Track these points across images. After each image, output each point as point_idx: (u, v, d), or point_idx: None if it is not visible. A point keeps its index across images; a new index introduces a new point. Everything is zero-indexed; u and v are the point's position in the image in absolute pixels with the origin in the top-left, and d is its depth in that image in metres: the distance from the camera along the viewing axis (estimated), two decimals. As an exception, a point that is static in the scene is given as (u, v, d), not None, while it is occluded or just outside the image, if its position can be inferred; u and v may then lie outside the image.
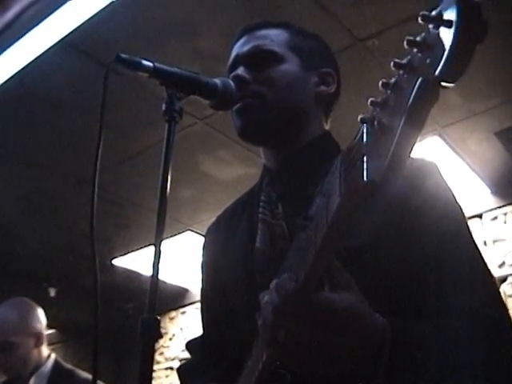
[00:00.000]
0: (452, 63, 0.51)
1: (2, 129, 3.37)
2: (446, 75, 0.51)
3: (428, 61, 0.53)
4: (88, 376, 2.57)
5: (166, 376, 5.47)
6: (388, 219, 1.01)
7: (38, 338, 2.56)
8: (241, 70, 1.20)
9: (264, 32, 1.25)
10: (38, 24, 2.65)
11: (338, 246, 0.75)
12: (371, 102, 0.61)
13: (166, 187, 0.99)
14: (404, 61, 0.57)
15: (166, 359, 5.53)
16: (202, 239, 1.38)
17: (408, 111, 0.55)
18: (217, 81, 1.13)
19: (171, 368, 5.43)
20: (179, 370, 1.32)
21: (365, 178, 0.59)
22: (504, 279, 3.68)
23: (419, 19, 0.54)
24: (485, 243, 3.81)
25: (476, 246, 1.02)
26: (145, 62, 1.06)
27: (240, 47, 1.25)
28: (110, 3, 2.53)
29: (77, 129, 3.28)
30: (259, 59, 1.21)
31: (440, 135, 3.36)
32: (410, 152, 0.57)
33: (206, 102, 1.15)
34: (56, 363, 2.60)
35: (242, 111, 1.18)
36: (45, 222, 4.41)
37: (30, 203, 4.15)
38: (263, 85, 1.18)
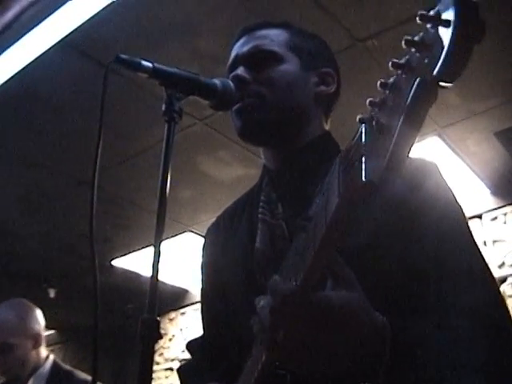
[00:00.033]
0: (450, 63, 0.51)
1: (1, 129, 3.38)
2: (444, 75, 0.51)
3: (426, 61, 0.53)
4: (86, 377, 2.57)
5: (166, 377, 5.47)
6: (388, 219, 1.01)
7: (36, 340, 2.55)
8: (240, 70, 1.20)
9: (264, 32, 1.25)
10: (37, 24, 2.65)
11: (337, 246, 0.75)
12: (370, 102, 0.61)
13: (166, 188, 0.99)
14: (402, 61, 0.57)
15: (166, 360, 5.53)
16: (202, 240, 1.38)
17: (406, 111, 0.55)
18: (216, 81, 1.13)
19: (171, 369, 5.43)
20: (179, 371, 1.32)
21: (363, 179, 0.59)
22: (504, 280, 3.68)
23: (417, 19, 0.54)
24: (484, 243, 3.81)
25: (476, 245, 1.02)
26: (144, 63, 1.06)
27: (240, 47, 1.25)
28: (110, 4, 2.53)
29: (77, 129, 3.28)
30: (259, 59, 1.21)
31: (440, 135, 3.36)
32: (409, 152, 0.57)
33: (205, 103, 1.15)
34: (54, 364, 2.59)
35: (241, 111, 1.18)
36: (44, 222, 4.41)
37: (30, 203, 4.15)
38: (263, 85, 1.18)
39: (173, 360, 5.46)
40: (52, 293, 5.55)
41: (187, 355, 1.36)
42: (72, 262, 4.89)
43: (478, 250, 1.01)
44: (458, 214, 1.04)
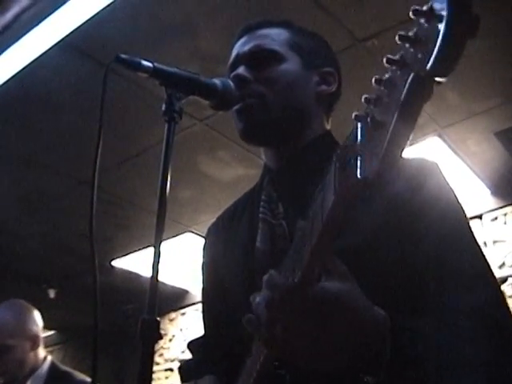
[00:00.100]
0: (443, 57, 0.51)
1: (1, 129, 3.37)
2: (438, 69, 0.51)
3: (420, 56, 0.53)
4: (84, 378, 2.57)
5: (166, 377, 5.47)
6: (389, 219, 1.01)
7: (34, 341, 2.55)
8: (241, 70, 1.20)
9: (265, 31, 1.25)
10: (37, 25, 2.65)
11: (334, 242, 0.75)
12: (365, 98, 0.61)
13: (166, 188, 0.99)
14: (397, 57, 0.57)
15: (166, 360, 5.53)
16: (202, 240, 1.38)
17: (400, 107, 0.55)
18: (216, 81, 1.13)
19: (171, 369, 5.43)
20: (180, 369, 1.32)
21: (358, 176, 0.59)
22: (504, 280, 3.68)
23: (411, 14, 0.54)
24: (485, 244, 3.81)
25: (478, 245, 1.01)
26: (144, 62, 1.06)
27: (240, 47, 1.25)
28: (110, 4, 2.53)
29: (77, 129, 3.28)
30: (260, 58, 1.20)
31: (440, 136, 3.36)
32: (404, 148, 0.57)
33: (205, 103, 1.15)
34: (52, 365, 2.59)
35: (242, 112, 1.18)
36: (44, 222, 4.41)
37: (30, 203, 4.15)
38: (263, 84, 1.18)
39: (173, 360, 5.46)
40: (52, 293, 5.55)
41: (187, 356, 1.36)
42: (72, 263, 4.89)
43: (480, 249, 1.01)
44: (459, 214, 1.04)
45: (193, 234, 4.52)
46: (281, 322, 0.80)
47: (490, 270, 0.99)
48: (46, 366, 2.56)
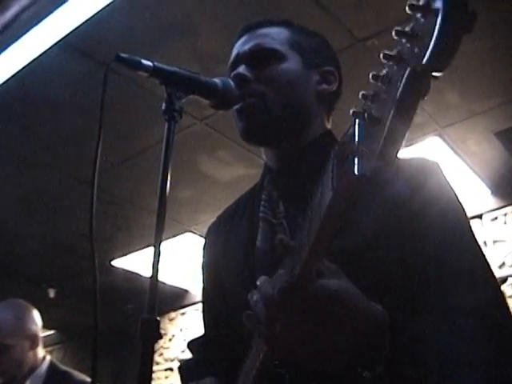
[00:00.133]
0: (439, 51, 0.51)
1: (1, 129, 3.37)
2: (434, 64, 0.51)
3: (416, 50, 0.53)
4: (84, 378, 2.56)
5: (166, 377, 5.47)
6: (389, 219, 1.01)
7: (33, 340, 2.54)
8: (242, 69, 1.20)
9: (265, 30, 1.25)
10: (37, 24, 2.65)
11: (332, 240, 0.75)
12: (362, 95, 0.60)
13: (166, 188, 0.99)
14: (393, 52, 0.57)
15: (166, 360, 5.53)
16: (202, 240, 1.38)
17: (397, 102, 0.55)
18: (217, 80, 1.13)
19: (171, 369, 5.43)
20: (180, 368, 1.32)
21: (356, 172, 0.59)
22: (504, 280, 3.68)
23: (407, 9, 0.54)
24: (485, 244, 3.81)
25: (478, 245, 1.01)
26: (144, 62, 1.06)
27: (241, 46, 1.25)
28: (109, 3, 2.52)
29: (76, 129, 3.27)
30: (260, 57, 1.20)
31: (440, 136, 3.35)
32: (401, 144, 0.57)
33: (205, 102, 1.15)
34: (51, 365, 2.58)
35: (242, 111, 1.18)
36: (44, 222, 4.41)
37: (30, 203, 4.15)
38: (264, 84, 1.18)
39: (173, 360, 5.46)
40: (52, 293, 5.55)
41: (187, 355, 1.36)
42: (72, 262, 4.89)
43: (480, 249, 1.01)
44: (459, 214, 1.04)
45: (193, 234, 4.52)
46: (280, 320, 0.80)
47: (490, 270, 0.99)
48: (45, 365, 2.55)
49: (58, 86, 3.02)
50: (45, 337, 2.66)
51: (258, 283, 0.84)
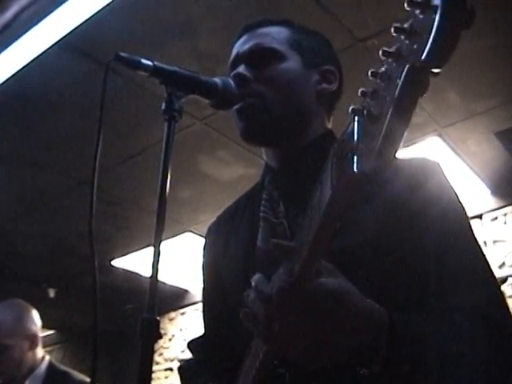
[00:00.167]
0: (437, 47, 0.51)
1: (1, 129, 3.37)
2: (433, 60, 0.51)
3: (415, 47, 0.53)
4: (83, 378, 2.57)
5: (166, 377, 5.47)
6: (389, 218, 1.01)
7: (32, 340, 2.54)
8: (241, 68, 1.20)
9: (265, 30, 1.24)
10: (36, 24, 2.65)
11: (332, 240, 0.75)
12: (361, 92, 0.60)
13: (166, 188, 0.99)
14: (392, 49, 0.56)
15: (166, 360, 5.53)
16: (202, 240, 1.38)
17: (396, 99, 0.55)
18: (217, 80, 1.13)
19: (171, 369, 5.42)
20: (180, 369, 1.32)
21: (355, 169, 0.59)
22: (504, 280, 3.68)
23: (405, 5, 0.54)
24: (485, 244, 3.80)
25: (478, 245, 1.02)
26: (144, 61, 1.06)
27: (241, 45, 1.25)
28: (109, 3, 2.52)
29: (76, 129, 3.27)
30: (260, 57, 1.20)
31: (440, 136, 3.35)
32: (400, 142, 0.57)
33: (205, 102, 1.15)
34: (50, 365, 2.58)
35: (242, 111, 1.18)
36: (44, 222, 4.40)
37: (30, 203, 4.15)
38: (263, 83, 1.18)
39: (172, 360, 5.46)
40: (52, 293, 5.55)
41: (187, 355, 1.36)
42: (72, 262, 4.88)
43: (480, 249, 1.01)
44: (459, 214, 1.04)
45: (192, 234, 4.52)
46: (279, 318, 0.80)
47: (491, 270, 0.99)
48: (44, 365, 2.55)
49: (57, 85, 3.01)
50: (44, 337, 2.66)
51: (252, 281, 0.84)
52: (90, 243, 0.96)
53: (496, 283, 0.99)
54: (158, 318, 0.90)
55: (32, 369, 2.51)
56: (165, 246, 0.94)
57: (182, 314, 5.61)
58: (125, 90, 2.90)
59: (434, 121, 3.21)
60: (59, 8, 2.57)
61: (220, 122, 3.23)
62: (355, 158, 0.59)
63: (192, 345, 1.34)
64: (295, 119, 1.19)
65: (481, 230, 3.84)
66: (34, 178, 3.84)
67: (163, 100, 1.06)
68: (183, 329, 5.53)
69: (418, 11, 0.53)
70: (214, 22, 2.64)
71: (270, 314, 0.80)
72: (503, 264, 3.72)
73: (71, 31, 2.66)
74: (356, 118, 0.61)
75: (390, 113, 0.55)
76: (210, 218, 1.43)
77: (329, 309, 0.79)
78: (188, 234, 4.52)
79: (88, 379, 2.56)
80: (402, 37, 0.55)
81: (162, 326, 0.92)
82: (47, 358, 2.61)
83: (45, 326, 2.72)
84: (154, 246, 0.94)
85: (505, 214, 3.86)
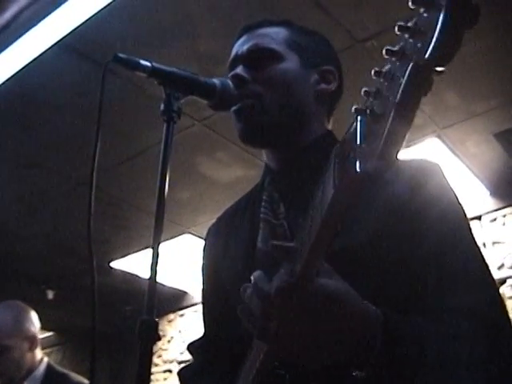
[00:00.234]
0: (441, 45, 0.50)
1: (0, 130, 3.37)
2: (437, 58, 0.51)
3: (419, 45, 0.53)
4: (81, 379, 2.57)
5: (164, 379, 5.46)
6: (389, 219, 1.01)
7: (32, 342, 2.54)
8: (239, 69, 1.19)
9: (264, 30, 1.24)
10: (35, 25, 2.65)
11: (333, 240, 0.74)
12: (364, 91, 0.60)
13: (164, 189, 0.99)
14: (396, 48, 0.56)
15: (165, 362, 5.52)
16: (201, 242, 1.38)
17: (400, 98, 0.54)
18: (215, 81, 1.13)
19: (169, 371, 5.42)
20: (180, 374, 1.31)
21: (358, 169, 0.59)
22: (503, 281, 3.68)
23: (410, 3, 0.53)
24: (484, 245, 3.81)
25: (477, 246, 1.02)
26: (143, 62, 1.06)
27: (240, 46, 1.25)
28: (108, 4, 2.52)
29: (75, 130, 3.27)
30: (258, 58, 1.20)
31: (439, 137, 3.35)
32: (402, 142, 0.57)
33: (204, 103, 1.15)
34: (49, 367, 2.58)
35: (240, 113, 1.18)
36: (44, 223, 4.40)
37: (29, 204, 4.15)
38: (261, 84, 1.18)
39: (171, 362, 5.45)
40: (50, 294, 5.54)
41: (186, 357, 1.36)
42: (71, 264, 4.88)
43: (479, 251, 1.01)
44: (459, 215, 1.04)
45: (191, 236, 4.52)
46: (277, 317, 0.80)
47: (489, 272, 0.99)
48: (42, 367, 2.56)
49: (56, 86, 3.01)
50: (43, 338, 2.66)
51: (252, 278, 0.84)
52: (88, 244, 0.96)
53: (494, 285, 0.99)
54: (156, 319, 0.90)
55: (31, 370, 2.51)
56: (163, 247, 0.94)
57: (181, 315, 5.60)
58: (124, 91, 2.90)
59: (433, 122, 3.21)
60: (58, 9, 2.57)
61: (219, 124, 3.23)
62: (358, 157, 0.59)
63: (192, 347, 1.34)
64: (294, 120, 1.19)
65: (480, 232, 3.84)
66: (34, 179, 3.84)
67: (162, 101, 1.06)
68: (182, 330, 5.53)
69: (422, 10, 0.53)
70: (213, 23, 2.64)
71: (267, 312, 0.80)
72: (502, 265, 3.72)
73: (70, 32, 2.66)
74: (359, 118, 0.61)
75: (393, 112, 0.54)
76: (208, 220, 1.43)
77: (328, 309, 0.79)
78: (187, 236, 4.51)
79: (87, 381, 2.56)
80: (406, 35, 0.55)
81: (160, 327, 0.92)
82: (46, 359, 2.61)
83: (43, 328, 2.72)
84: (153, 248, 0.94)
85: (504, 216, 3.86)
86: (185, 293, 5.52)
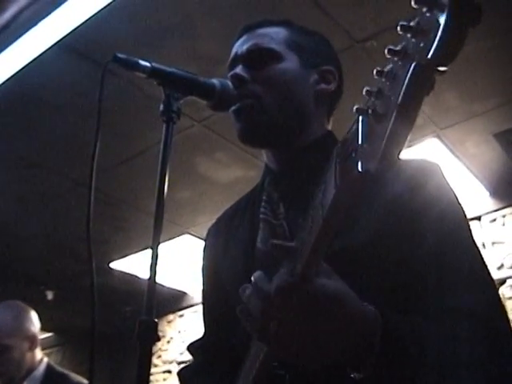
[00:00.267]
0: (444, 45, 0.50)
1: (0, 130, 3.37)
2: (439, 57, 0.51)
3: (422, 45, 0.53)
4: (80, 379, 2.57)
5: (164, 379, 5.46)
6: (389, 220, 1.01)
7: (32, 341, 2.55)
8: (239, 69, 1.19)
9: (264, 30, 1.24)
10: (35, 25, 2.64)
11: (333, 237, 0.74)
12: (366, 91, 0.60)
13: (164, 189, 0.99)
14: (398, 47, 0.56)
15: (164, 362, 5.52)
16: (200, 242, 1.38)
17: (402, 98, 0.54)
18: (215, 81, 1.13)
19: (169, 371, 5.41)
20: (180, 374, 1.31)
21: (359, 169, 0.59)
22: (503, 282, 3.68)
23: (412, 3, 0.53)
24: (483, 245, 3.80)
25: (477, 247, 1.02)
26: (142, 62, 1.06)
27: (239, 46, 1.25)
28: (108, 4, 2.52)
29: (75, 130, 3.27)
30: (257, 58, 1.20)
31: (439, 137, 3.35)
32: (404, 142, 0.57)
33: (203, 103, 1.15)
34: (48, 367, 2.58)
35: (239, 113, 1.18)
36: (43, 223, 4.40)
37: (29, 204, 4.14)
38: (260, 84, 1.18)
39: (171, 362, 5.45)
40: (50, 295, 5.54)
41: (185, 358, 1.36)
42: (70, 264, 4.88)
43: (479, 251, 1.01)
44: (458, 215, 1.04)
45: (191, 236, 4.51)
46: (277, 317, 0.80)
47: (488, 272, 0.99)
48: (42, 367, 2.56)
49: (56, 87, 3.01)
50: (43, 339, 2.66)
51: (252, 278, 0.84)
52: (87, 245, 0.96)
53: (494, 285, 0.99)
54: (156, 320, 0.90)
55: (30, 370, 2.51)
56: (163, 248, 0.94)
57: (181, 316, 5.60)
58: (123, 91, 2.90)
59: (432, 122, 3.21)
60: (58, 9, 2.57)
61: (218, 124, 3.22)
62: (360, 157, 0.59)
63: (192, 347, 1.34)
64: (293, 120, 1.19)
65: (479, 232, 3.84)
66: (33, 179, 3.83)
67: (161, 101, 1.05)
68: (181, 331, 5.52)
69: (425, 9, 0.53)
70: (212, 23, 2.63)
71: (267, 312, 0.80)
72: (502, 266, 3.72)
73: (70, 32, 2.66)
74: (360, 118, 0.61)
75: (395, 112, 0.54)
76: (208, 220, 1.43)
77: (328, 310, 0.79)
78: (186, 236, 4.51)
79: (86, 381, 2.56)
80: (409, 35, 0.55)
81: (160, 328, 0.92)
82: (45, 359, 2.61)
83: (43, 329, 2.72)
84: (152, 248, 0.94)
85: (503, 216, 3.86)
86: (184, 293, 5.51)
